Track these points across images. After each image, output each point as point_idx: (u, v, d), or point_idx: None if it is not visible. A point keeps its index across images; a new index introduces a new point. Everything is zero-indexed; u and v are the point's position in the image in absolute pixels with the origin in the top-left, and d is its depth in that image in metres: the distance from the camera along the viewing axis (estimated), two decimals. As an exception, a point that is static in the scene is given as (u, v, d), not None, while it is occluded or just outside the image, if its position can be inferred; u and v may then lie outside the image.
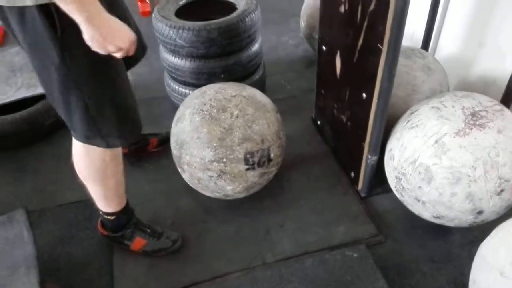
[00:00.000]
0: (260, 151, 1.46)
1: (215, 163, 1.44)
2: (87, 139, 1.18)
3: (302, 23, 2.48)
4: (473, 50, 1.76)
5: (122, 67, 1.15)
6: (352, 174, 1.75)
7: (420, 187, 1.38)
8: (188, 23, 1.85)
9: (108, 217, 1.46)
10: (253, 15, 1.95)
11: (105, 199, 1.40)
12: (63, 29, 0.95)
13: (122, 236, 1.51)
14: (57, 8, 0.88)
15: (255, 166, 1.48)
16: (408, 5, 1.18)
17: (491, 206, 1.33)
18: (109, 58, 1.00)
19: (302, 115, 2.13)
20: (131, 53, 1.00)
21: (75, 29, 0.90)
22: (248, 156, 1.45)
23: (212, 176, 1.48)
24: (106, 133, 1.17)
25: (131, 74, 1.36)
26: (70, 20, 0.89)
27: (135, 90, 1.23)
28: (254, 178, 1.52)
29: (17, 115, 1.98)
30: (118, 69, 1.13)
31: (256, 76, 2.14)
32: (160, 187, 1.78)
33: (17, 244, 1.27)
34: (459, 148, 1.30)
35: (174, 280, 1.46)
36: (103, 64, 1.06)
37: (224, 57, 1.96)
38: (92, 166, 1.27)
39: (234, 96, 1.49)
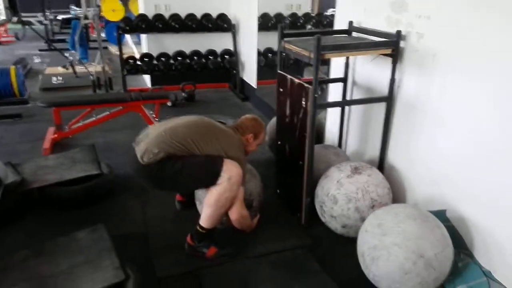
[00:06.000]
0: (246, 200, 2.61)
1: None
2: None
3: (266, 138, 3.82)
4: (363, 146, 3.09)
5: None
6: (298, 214, 2.86)
7: (332, 207, 2.53)
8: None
9: (201, 230, 2.40)
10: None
11: (209, 219, 2.38)
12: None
13: (202, 246, 2.43)
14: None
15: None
16: (315, 114, 2.50)
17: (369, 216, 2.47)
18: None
19: (269, 189, 3.28)
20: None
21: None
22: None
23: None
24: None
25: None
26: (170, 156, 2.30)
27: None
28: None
29: (81, 186, 3.06)
30: None
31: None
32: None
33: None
34: (349, 184, 2.50)
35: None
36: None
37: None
38: (221, 197, 2.32)
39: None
